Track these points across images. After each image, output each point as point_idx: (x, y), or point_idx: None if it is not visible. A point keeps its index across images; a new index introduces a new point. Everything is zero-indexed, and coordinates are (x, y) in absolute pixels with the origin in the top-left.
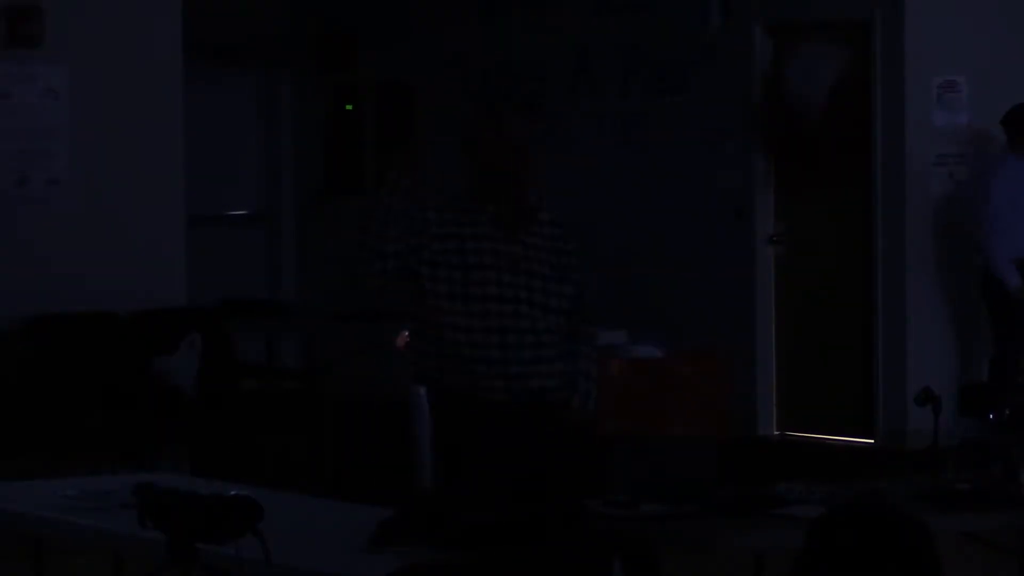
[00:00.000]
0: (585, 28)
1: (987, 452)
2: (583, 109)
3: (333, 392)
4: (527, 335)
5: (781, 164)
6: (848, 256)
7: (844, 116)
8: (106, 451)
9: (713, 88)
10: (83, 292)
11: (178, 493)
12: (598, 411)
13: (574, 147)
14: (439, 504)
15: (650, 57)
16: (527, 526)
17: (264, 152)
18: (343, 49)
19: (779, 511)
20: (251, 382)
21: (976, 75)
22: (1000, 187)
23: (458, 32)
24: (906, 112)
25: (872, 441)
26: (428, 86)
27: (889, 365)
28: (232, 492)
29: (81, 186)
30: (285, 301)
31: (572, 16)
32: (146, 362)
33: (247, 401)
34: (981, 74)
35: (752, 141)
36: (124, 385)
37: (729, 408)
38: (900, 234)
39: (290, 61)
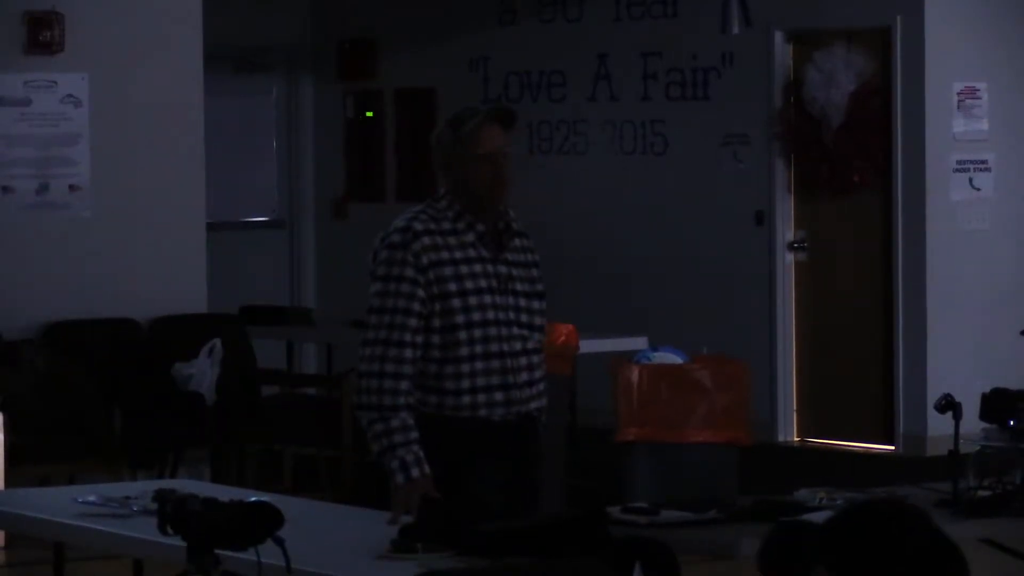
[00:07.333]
0: (605, 34)
1: (1008, 458)
2: (602, 115)
3: (353, 398)
4: (520, 357)
5: (801, 170)
6: (868, 262)
7: (864, 122)
8: (126, 457)
9: (733, 95)
10: (103, 298)
11: (198, 499)
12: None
13: (593, 153)
14: (461, 511)
15: (670, 63)
16: (548, 533)
17: (284, 158)
18: (363, 55)
19: (799, 518)
20: (271, 388)
21: (996, 82)
22: None
23: (478, 38)
24: (926, 118)
25: (892, 448)
26: (448, 92)
27: (909, 371)
28: (252, 498)
29: (102, 192)
30: (305, 307)
31: (592, 22)
32: (166, 368)
33: (267, 407)
34: (1001, 81)
35: (772, 148)
36: (144, 391)
37: (750, 415)
38: (920, 240)
39: (310, 68)
